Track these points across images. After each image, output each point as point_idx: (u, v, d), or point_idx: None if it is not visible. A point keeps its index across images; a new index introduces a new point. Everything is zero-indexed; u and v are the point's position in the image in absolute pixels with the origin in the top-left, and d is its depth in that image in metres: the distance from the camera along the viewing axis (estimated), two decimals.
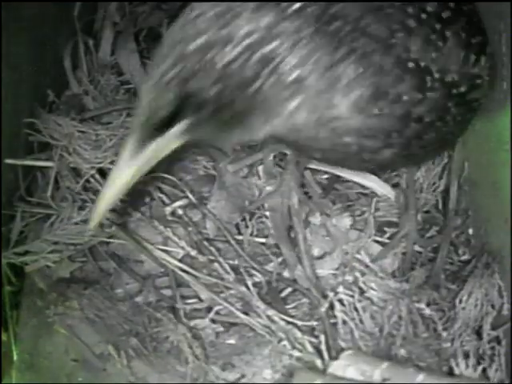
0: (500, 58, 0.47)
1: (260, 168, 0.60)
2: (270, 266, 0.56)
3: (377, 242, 0.56)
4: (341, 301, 0.51)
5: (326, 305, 0.51)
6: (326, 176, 0.61)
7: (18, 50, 0.58)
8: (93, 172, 0.59)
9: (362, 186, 0.60)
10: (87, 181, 0.59)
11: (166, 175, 0.60)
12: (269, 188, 0.59)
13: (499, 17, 0.47)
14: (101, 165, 0.59)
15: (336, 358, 0.48)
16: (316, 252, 0.56)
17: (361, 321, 0.50)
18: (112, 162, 0.58)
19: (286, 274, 0.55)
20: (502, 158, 0.48)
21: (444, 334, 0.49)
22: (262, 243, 0.57)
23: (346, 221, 0.57)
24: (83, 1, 0.70)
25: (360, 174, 0.60)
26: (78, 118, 0.62)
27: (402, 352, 0.48)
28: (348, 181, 0.61)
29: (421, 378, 0.46)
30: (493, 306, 0.50)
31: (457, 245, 0.56)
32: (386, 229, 0.57)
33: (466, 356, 0.48)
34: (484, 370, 0.47)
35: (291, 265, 0.55)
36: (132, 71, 0.69)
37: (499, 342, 0.49)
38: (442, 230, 0.57)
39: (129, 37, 0.71)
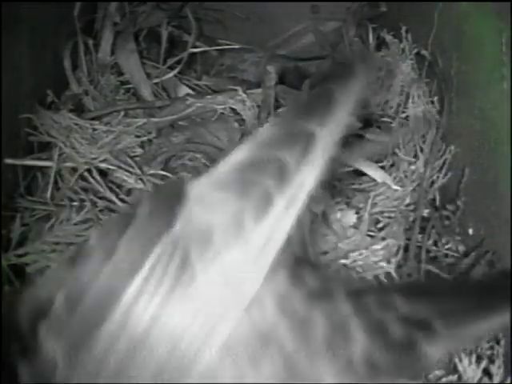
0: (500, 58, 0.47)
1: None
2: None
3: (371, 236, 0.56)
4: None
5: None
6: None
7: (18, 50, 0.58)
8: (87, 167, 0.58)
9: (360, 183, 0.60)
10: (86, 181, 0.59)
11: None
12: None
13: (499, 17, 0.47)
14: (95, 161, 0.59)
15: None
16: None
17: None
18: (106, 160, 0.59)
19: None
20: (502, 159, 0.48)
21: None
22: None
23: (352, 217, 0.57)
24: (83, 1, 0.70)
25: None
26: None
27: None
28: (345, 178, 0.61)
29: None
30: None
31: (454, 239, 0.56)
32: (383, 224, 0.57)
33: (469, 353, 0.47)
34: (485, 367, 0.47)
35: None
36: (132, 71, 0.69)
37: (498, 342, 0.49)
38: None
39: (129, 37, 0.71)
